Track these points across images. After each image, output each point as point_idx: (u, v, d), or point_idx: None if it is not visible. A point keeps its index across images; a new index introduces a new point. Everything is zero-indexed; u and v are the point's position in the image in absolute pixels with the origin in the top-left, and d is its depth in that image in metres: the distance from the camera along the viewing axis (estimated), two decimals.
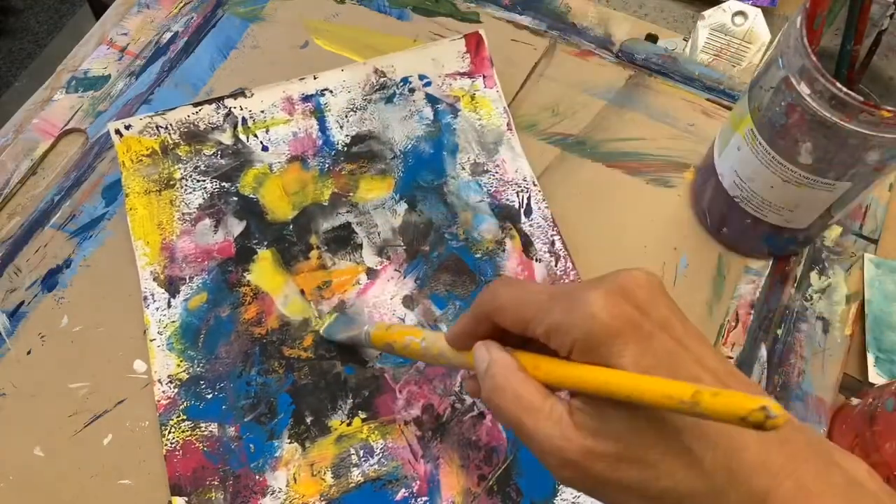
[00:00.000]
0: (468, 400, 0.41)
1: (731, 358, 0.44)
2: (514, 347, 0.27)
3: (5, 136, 0.51)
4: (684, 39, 0.54)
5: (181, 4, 0.56)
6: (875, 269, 0.46)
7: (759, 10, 0.52)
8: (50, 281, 0.46)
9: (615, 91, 0.52)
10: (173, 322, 0.44)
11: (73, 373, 0.43)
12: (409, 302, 0.44)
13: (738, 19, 0.52)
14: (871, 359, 0.44)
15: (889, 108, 0.32)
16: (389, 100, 0.50)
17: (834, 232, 0.47)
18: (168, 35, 0.54)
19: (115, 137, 0.48)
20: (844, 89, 0.32)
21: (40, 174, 0.50)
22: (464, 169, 0.48)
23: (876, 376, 0.43)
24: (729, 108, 0.51)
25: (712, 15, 0.53)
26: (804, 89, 0.34)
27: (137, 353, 0.43)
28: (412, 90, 0.50)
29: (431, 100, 0.50)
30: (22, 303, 0.45)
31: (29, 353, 0.44)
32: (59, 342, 0.44)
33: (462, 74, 0.51)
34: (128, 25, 0.55)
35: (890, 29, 0.38)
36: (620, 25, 0.54)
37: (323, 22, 0.55)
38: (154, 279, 0.45)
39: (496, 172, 0.48)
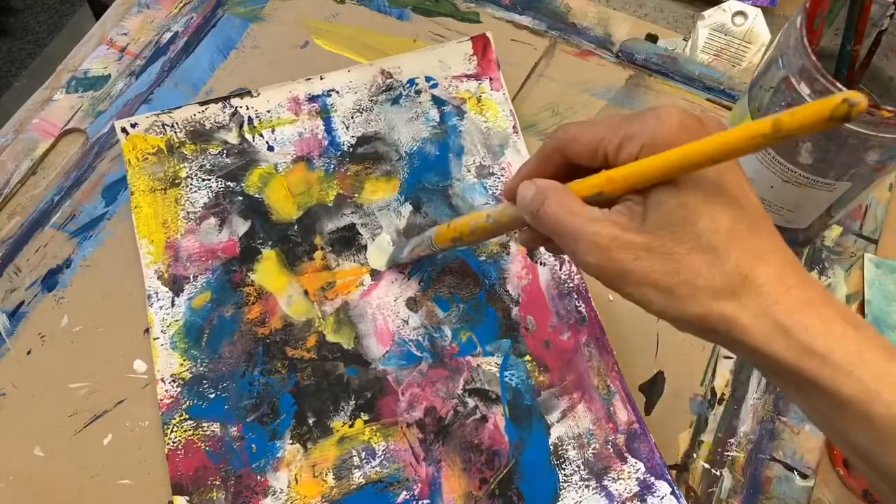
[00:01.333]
0: (471, 403, 0.41)
1: (730, 358, 0.44)
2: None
3: (5, 136, 0.51)
4: (684, 39, 0.54)
5: (181, 4, 0.56)
6: (875, 269, 0.46)
7: (759, 10, 0.52)
8: (50, 281, 0.46)
9: (615, 91, 0.52)
10: (177, 321, 0.44)
11: (73, 373, 0.43)
12: (412, 304, 0.44)
13: (738, 19, 0.52)
14: None
15: (889, 108, 0.32)
16: (395, 101, 0.50)
17: (834, 232, 0.47)
18: (168, 35, 0.54)
19: (120, 136, 0.48)
20: (844, 89, 0.32)
21: (40, 174, 0.50)
22: (469, 171, 0.48)
23: None
24: (729, 108, 0.51)
25: (712, 15, 0.53)
26: (804, 89, 0.34)
27: (137, 353, 0.43)
28: (418, 92, 0.50)
29: (438, 102, 0.50)
30: (22, 303, 0.45)
31: (29, 353, 0.44)
32: (59, 342, 0.44)
33: (469, 76, 0.51)
34: (128, 25, 0.55)
35: (890, 29, 0.38)
36: (620, 25, 0.54)
37: (323, 22, 0.55)
38: (158, 278, 0.45)
39: (502, 175, 0.48)
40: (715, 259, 0.24)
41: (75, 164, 0.50)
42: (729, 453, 0.41)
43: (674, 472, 0.40)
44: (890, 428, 0.22)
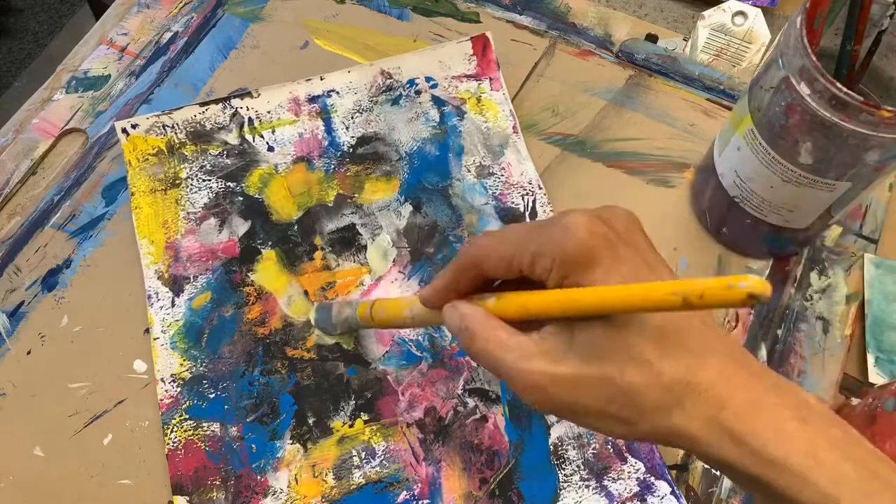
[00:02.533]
0: (471, 403, 0.41)
1: None
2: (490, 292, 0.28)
3: (5, 136, 0.51)
4: (684, 39, 0.54)
5: (181, 4, 0.56)
6: (875, 269, 0.46)
7: (759, 10, 0.52)
8: (50, 281, 0.46)
9: (615, 91, 0.52)
10: (177, 321, 0.44)
11: (73, 373, 0.43)
12: None
13: (738, 19, 0.52)
14: (871, 359, 0.44)
15: (889, 108, 0.32)
16: (395, 101, 0.50)
17: (834, 232, 0.47)
18: (168, 35, 0.54)
19: (121, 136, 0.48)
20: (844, 89, 0.32)
21: (40, 174, 0.50)
22: (469, 171, 0.48)
23: (876, 376, 0.43)
24: (729, 108, 0.51)
25: (712, 15, 0.53)
26: (804, 89, 0.34)
27: (137, 353, 0.43)
28: (418, 92, 0.50)
29: (437, 102, 0.50)
30: (22, 303, 0.45)
31: (29, 353, 0.44)
32: (59, 342, 0.44)
33: (468, 77, 0.51)
34: (128, 25, 0.55)
35: (890, 29, 0.38)
36: (620, 25, 0.54)
37: (323, 22, 0.55)
38: (158, 278, 0.45)
39: (501, 175, 0.48)
40: (650, 373, 0.23)
41: (75, 164, 0.50)
42: None
43: (674, 472, 0.40)
44: None
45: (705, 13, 0.53)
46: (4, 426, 0.42)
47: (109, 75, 0.53)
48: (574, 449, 0.40)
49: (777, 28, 0.53)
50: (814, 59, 0.33)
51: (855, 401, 0.42)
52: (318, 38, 0.54)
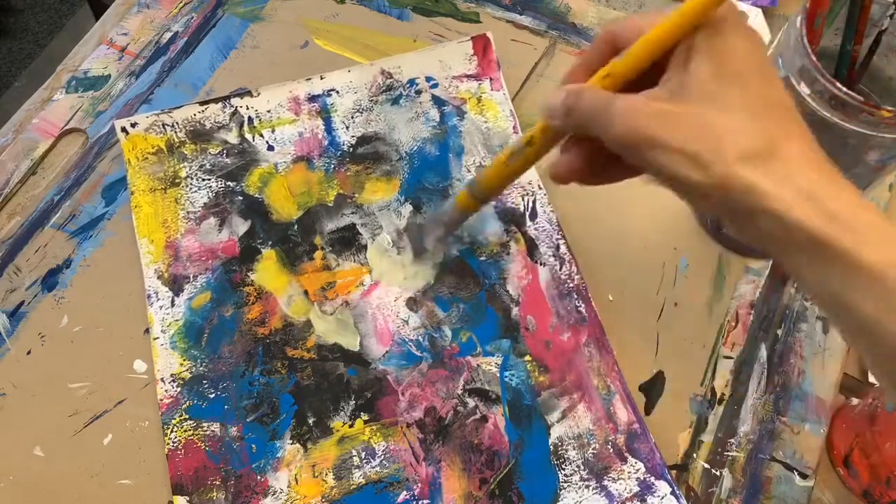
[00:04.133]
0: (471, 403, 0.41)
1: (730, 358, 0.44)
2: None
3: (5, 136, 0.51)
4: None
5: (181, 4, 0.56)
6: None
7: (759, 10, 0.52)
8: (50, 281, 0.46)
9: None
10: (177, 321, 0.44)
11: (73, 373, 0.43)
12: (412, 304, 0.44)
13: None
14: None
15: (889, 108, 0.32)
16: (396, 101, 0.50)
17: None
18: (168, 35, 0.54)
19: (120, 135, 0.48)
20: (844, 89, 0.32)
21: (40, 174, 0.50)
22: (469, 171, 0.48)
23: None
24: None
25: None
26: (804, 89, 0.34)
27: (137, 353, 0.43)
28: (419, 92, 0.50)
29: (438, 102, 0.50)
30: (22, 303, 0.45)
31: (29, 353, 0.44)
32: (59, 342, 0.44)
33: (469, 77, 0.51)
34: (128, 25, 0.55)
35: (890, 29, 0.38)
36: None
37: (323, 22, 0.55)
38: (158, 277, 0.45)
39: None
40: (747, 124, 0.25)
41: (75, 164, 0.50)
42: (729, 453, 0.41)
43: (674, 472, 0.40)
44: None
45: None
46: (4, 426, 0.42)
47: (109, 75, 0.53)
48: (574, 449, 0.40)
49: (777, 28, 0.53)
50: (814, 59, 0.33)
51: (855, 401, 0.42)
52: (318, 37, 0.54)
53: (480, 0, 0.55)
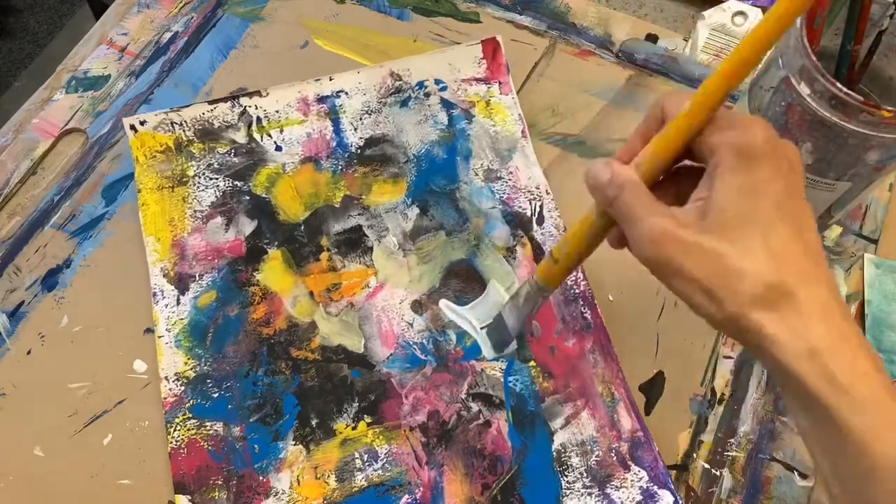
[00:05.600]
0: (474, 408, 0.41)
1: (730, 358, 0.44)
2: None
3: (5, 136, 0.51)
4: (684, 39, 0.54)
5: (181, 4, 0.56)
6: (875, 269, 0.46)
7: (759, 10, 0.52)
8: (50, 281, 0.46)
9: (615, 91, 0.52)
10: (182, 319, 0.44)
11: (73, 373, 0.43)
12: (417, 307, 0.44)
13: (738, 19, 0.52)
14: None
15: (889, 108, 0.32)
16: (404, 103, 0.50)
17: (834, 232, 0.47)
18: (168, 35, 0.54)
19: (129, 132, 0.48)
20: (844, 89, 0.32)
21: (40, 174, 0.50)
22: (477, 175, 0.48)
23: None
24: (729, 108, 0.51)
25: (712, 15, 0.53)
26: (804, 89, 0.34)
27: (137, 353, 0.43)
28: (427, 94, 0.50)
29: (446, 105, 0.50)
30: (22, 303, 0.45)
31: (29, 353, 0.44)
32: (59, 342, 0.44)
33: (478, 80, 0.51)
34: (128, 25, 0.55)
35: (890, 29, 0.38)
36: (620, 25, 0.54)
37: (323, 22, 0.55)
38: (164, 276, 0.45)
39: (509, 179, 0.48)
40: (766, 268, 0.25)
41: (75, 164, 0.50)
42: (729, 453, 0.41)
43: (674, 472, 0.40)
44: (882, 467, 0.24)
45: (705, 13, 0.53)
46: (4, 426, 0.42)
47: (109, 75, 0.53)
48: (577, 456, 0.40)
49: None
50: (814, 59, 0.33)
51: None
52: (318, 38, 0.54)
53: (480, 0, 0.55)
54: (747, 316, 0.25)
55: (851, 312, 0.27)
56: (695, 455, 0.41)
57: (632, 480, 0.39)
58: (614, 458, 0.40)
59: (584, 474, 0.40)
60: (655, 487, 0.39)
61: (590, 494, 0.39)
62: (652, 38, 0.54)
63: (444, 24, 0.54)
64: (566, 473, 0.40)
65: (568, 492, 0.39)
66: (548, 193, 0.47)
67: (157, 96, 0.52)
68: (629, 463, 0.40)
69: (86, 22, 1.42)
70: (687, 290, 0.27)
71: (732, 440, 0.41)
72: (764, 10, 0.53)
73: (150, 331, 0.44)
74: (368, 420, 0.41)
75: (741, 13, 0.52)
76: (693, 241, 0.26)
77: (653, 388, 0.43)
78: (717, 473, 0.41)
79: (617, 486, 0.39)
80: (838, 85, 0.33)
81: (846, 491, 0.25)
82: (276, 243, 0.46)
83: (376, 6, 0.55)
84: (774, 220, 0.26)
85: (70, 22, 1.52)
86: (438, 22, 0.54)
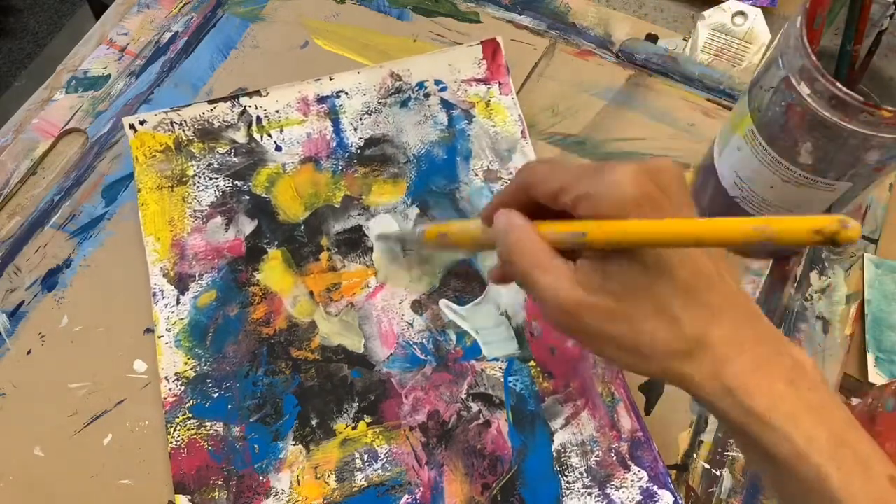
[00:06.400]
0: (474, 407, 0.41)
1: None
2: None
3: (5, 136, 0.51)
4: (684, 39, 0.54)
5: (181, 4, 0.56)
6: (875, 269, 0.46)
7: (759, 10, 0.52)
8: (50, 281, 0.46)
9: (615, 91, 0.52)
10: (182, 319, 0.44)
11: (73, 373, 0.43)
12: (417, 307, 0.44)
13: (738, 19, 0.52)
14: (871, 359, 0.44)
15: (889, 108, 0.32)
16: (404, 104, 0.50)
17: None
18: (168, 35, 0.54)
19: (128, 132, 0.49)
20: (844, 89, 0.32)
21: (40, 174, 0.50)
22: (477, 175, 0.48)
23: (876, 376, 0.43)
24: (729, 108, 0.51)
25: (712, 15, 0.53)
26: (804, 89, 0.34)
27: (137, 353, 0.43)
28: (427, 95, 0.50)
29: (446, 105, 0.50)
30: (22, 303, 0.45)
31: (29, 353, 0.44)
32: (59, 342, 0.44)
33: (478, 80, 0.51)
34: (128, 25, 0.55)
35: (890, 29, 0.38)
36: (620, 25, 0.54)
37: (323, 22, 0.55)
38: (164, 275, 0.45)
39: (510, 179, 0.48)
40: (672, 325, 0.26)
41: (75, 164, 0.50)
42: (729, 453, 0.41)
43: (674, 472, 0.41)
44: (817, 488, 0.25)
45: (705, 13, 0.53)
46: (4, 426, 0.42)
47: (109, 75, 0.53)
48: (577, 456, 0.40)
49: (777, 28, 0.53)
50: (814, 59, 0.33)
51: (855, 401, 0.42)
52: (318, 38, 0.54)
53: (480, 0, 0.55)
54: (671, 369, 0.26)
55: (771, 328, 0.27)
56: (695, 455, 0.41)
57: (632, 480, 0.40)
58: (614, 458, 0.40)
59: (584, 474, 0.40)
60: (655, 487, 0.39)
61: (590, 494, 0.39)
62: (652, 38, 0.54)
63: (444, 24, 0.54)
64: (566, 473, 0.40)
65: (568, 492, 0.39)
66: None
67: (157, 96, 0.52)
68: (629, 463, 0.40)
69: (86, 22, 1.42)
70: (610, 354, 0.27)
71: (732, 440, 0.41)
72: (764, 10, 0.53)
73: (150, 331, 0.44)
74: (368, 420, 0.41)
75: (741, 13, 0.52)
76: (605, 307, 0.26)
77: (653, 388, 0.43)
78: (717, 473, 0.41)
79: (617, 486, 0.39)
80: (838, 85, 0.33)
81: None
82: (276, 243, 0.46)
83: (376, 6, 0.55)
84: (670, 266, 0.26)
85: (70, 22, 1.52)
86: (438, 22, 0.54)
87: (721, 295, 0.26)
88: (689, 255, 0.26)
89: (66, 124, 0.51)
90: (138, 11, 0.56)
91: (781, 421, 0.25)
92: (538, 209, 0.29)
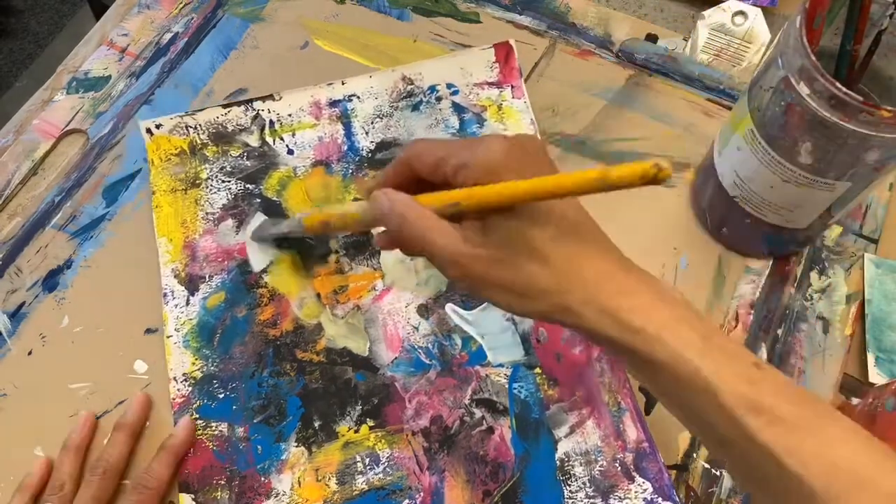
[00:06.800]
0: (478, 413, 0.41)
1: None
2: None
3: (6, 137, 0.51)
4: (684, 39, 0.54)
5: (181, 5, 0.56)
6: (875, 269, 0.46)
7: (759, 10, 0.52)
8: (51, 281, 0.46)
9: (615, 91, 0.52)
10: (190, 319, 0.44)
11: (73, 373, 0.43)
12: (423, 311, 0.44)
13: (738, 19, 0.52)
14: (871, 359, 0.44)
15: (889, 108, 0.32)
16: (416, 108, 0.50)
17: (834, 232, 0.47)
18: (168, 36, 0.54)
19: (145, 136, 0.49)
20: (844, 89, 0.32)
21: (41, 175, 0.50)
22: None
23: (876, 376, 0.43)
24: (729, 108, 0.51)
25: (712, 15, 0.53)
26: (804, 89, 0.34)
27: (138, 354, 0.43)
28: (439, 98, 0.50)
29: (458, 109, 0.50)
30: (23, 303, 0.45)
31: (30, 353, 0.44)
32: (60, 343, 0.44)
33: (490, 84, 0.51)
34: (128, 26, 0.55)
35: (890, 29, 0.38)
36: (620, 25, 0.54)
37: (323, 22, 0.55)
38: (175, 276, 0.45)
39: None
40: (545, 263, 0.29)
41: (76, 165, 0.50)
42: None
43: (674, 472, 0.40)
44: (694, 380, 0.28)
45: (705, 13, 0.53)
46: (5, 426, 0.42)
47: (110, 76, 0.53)
48: (581, 465, 0.40)
49: (777, 28, 0.53)
50: (813, 59, 0.33)
51: (855, 401, 0.42)
52: (318, 38, 0.54)
53: (480, 0, 0.55)
54: (553, 304, 0.29)
55: (648, 271, 0.31)
56: (695, 455, 0.41)
57: (636, 492, 0.39)
58: (619, 469, 0.40)
59: (588, 484, 0.39)
60: (659, 499, 0.39)
61: None
62: (652, 38, 0.54)
63: (444, 24, 0.54)
64: (569, 482, 0.40)
65: (570, 501, 0.39)
66: None
67: (158, 97, 0.52)
68: (634, 474, 0.40)
69: (86, 22, 1.42)
70: (499, 297, 0.30)
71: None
72: (764, 10, 0.53)
73: (150, 331, 0.44)
74: (371, 423, 0.41)
75: (741, 13, 0.52)
76: (489, 256, 0.29)
77: None
78: (717, 473, 0.41)
79: (620, 497, 0.39)
80: (838, 85, 0.33)
81: (677, 406, 0.30)
82: (285, 245, 0.46)
83: (376, 6, 0.55)
84: (540, 217, 0.29)
85: (71, 22, 1.52)
86: (438, 22, 0.55)
87: (586, 235, 0.30)
88: (556, 206, 0.30)
89: (66, 125, 0.51)
90: (139, 12, 0.56)
91: (657, 330, 0.28)
92: (418, 187, 0.32)
